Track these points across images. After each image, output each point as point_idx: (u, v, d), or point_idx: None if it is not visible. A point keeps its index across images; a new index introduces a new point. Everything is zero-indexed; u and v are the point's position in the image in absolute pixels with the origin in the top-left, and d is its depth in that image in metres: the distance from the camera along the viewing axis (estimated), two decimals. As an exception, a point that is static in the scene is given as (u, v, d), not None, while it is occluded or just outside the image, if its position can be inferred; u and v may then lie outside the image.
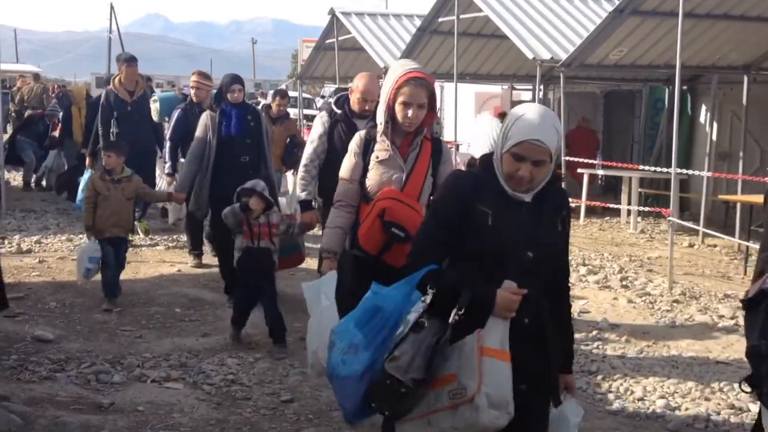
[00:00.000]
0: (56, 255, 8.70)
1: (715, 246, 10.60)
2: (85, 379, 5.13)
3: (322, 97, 15.11)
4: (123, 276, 7.10)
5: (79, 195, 9.29)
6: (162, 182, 9.67)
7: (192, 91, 8.27)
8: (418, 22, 15.40)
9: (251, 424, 4.58)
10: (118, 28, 47.50)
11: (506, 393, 2.67)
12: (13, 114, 15.56)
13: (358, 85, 5.55)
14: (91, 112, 12.79)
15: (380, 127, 4.11)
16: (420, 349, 2.69)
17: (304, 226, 5.79)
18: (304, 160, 5.66)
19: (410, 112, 3.99)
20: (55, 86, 25.85)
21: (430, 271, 2.82)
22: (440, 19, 13.81)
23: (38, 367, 5.27)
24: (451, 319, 2.71)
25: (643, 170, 11.80)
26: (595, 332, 6.65)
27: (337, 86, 16.23)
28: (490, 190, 2.85)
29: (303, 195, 5.58)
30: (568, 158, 10.79)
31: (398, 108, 4.01)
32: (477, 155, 4.36)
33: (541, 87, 13.99)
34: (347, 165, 4.22)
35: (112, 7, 47.61)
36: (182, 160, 8.15)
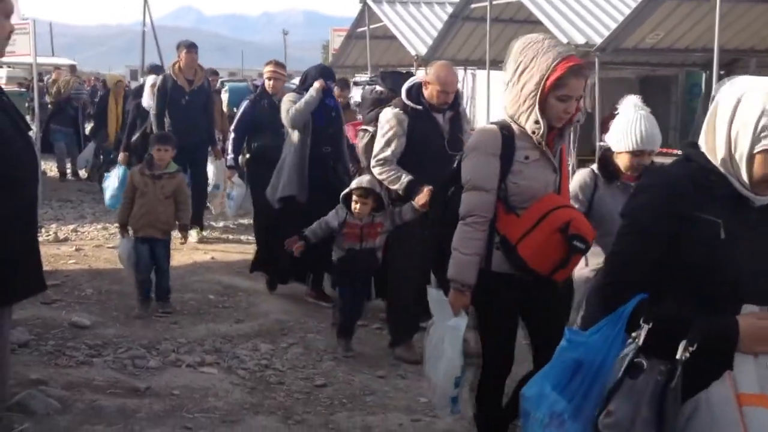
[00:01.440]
0: (92, 243, 8.79)
1: (753, 232, 10.43)
2: (121, 363, 5.17)
3: (355, 83, 15.01)
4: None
5: (107, 193, 9.09)
6: (213, 177, 9.28)
7: (269, 82, 7.62)
8: (449, 9, 15.36)
9: (285, 407, 4.59)
10: (151, 21, 47.80)
11: None
12: (50, 106, 15.70)
13: (438, 75, 5.17)
14: (125, 103, 12.87)
15: (531, 125, 3.39)
16: (643, 398, 2.06)
17: (422, 206, 5.15)
18: (380, 158, 5.25)
19: (569, 107, 3.37)
20: (92, 79, 26.14)
21: (641, 302, 2.19)
22: (472, 6, 13.75)
23: (75, 352, 5.32)
24: (679, 355, 2.05)
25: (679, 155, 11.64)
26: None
27: (369, 75, 16.18)
28: (712, 191, 2.21)
29: (405, 180, 5.15)
30: (602, 144, 10.66)
31: (553, 101, 3.34)
32: (616, 148, 3.87)
33: (575, 73, 13.85)
34: (482, 170, 3.46)
35: (145, 1, 47.96)
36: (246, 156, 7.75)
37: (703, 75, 13.32)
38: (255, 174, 7.54)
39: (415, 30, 16.34)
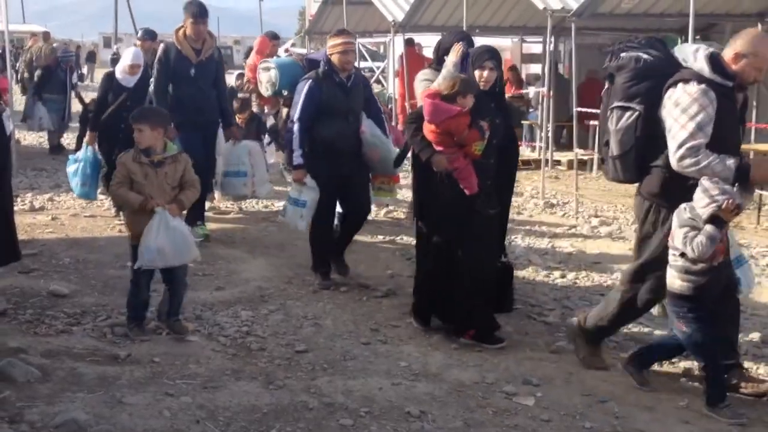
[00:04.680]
0: (69, 212, 8.73)
1: (728, 196, 10.54)
2: (101, 332, 5.17)
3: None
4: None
5: (71, 179, 8.22)
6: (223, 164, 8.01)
7: (343, 57, 6.26)
8: (426, -26, 15.17)
9: (266, 373, 4.62)
10: (124, -14, 47.03)
11: None
12: (25, 75, 15.32)
13: (762, 48, 4.30)
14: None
15: None
16: None
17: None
18: (692, 146, 4.20)
19: None
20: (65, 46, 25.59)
21: None
22: (450, -29, 13.64)
23: (54, 321, 5.31)
24: None
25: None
26: (609, 282, 6.65)
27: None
28: None
29: (731, 163, 4.20)
30: (579, 109, 10.71)
31: None
32: None
33: (552, 39, 13.83)
34: None
35: (117, -34, 47.11)
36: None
37: (679, 40, 13.35)
38: (322, 170, 6.26)
39: (392, -5, 16.20)
